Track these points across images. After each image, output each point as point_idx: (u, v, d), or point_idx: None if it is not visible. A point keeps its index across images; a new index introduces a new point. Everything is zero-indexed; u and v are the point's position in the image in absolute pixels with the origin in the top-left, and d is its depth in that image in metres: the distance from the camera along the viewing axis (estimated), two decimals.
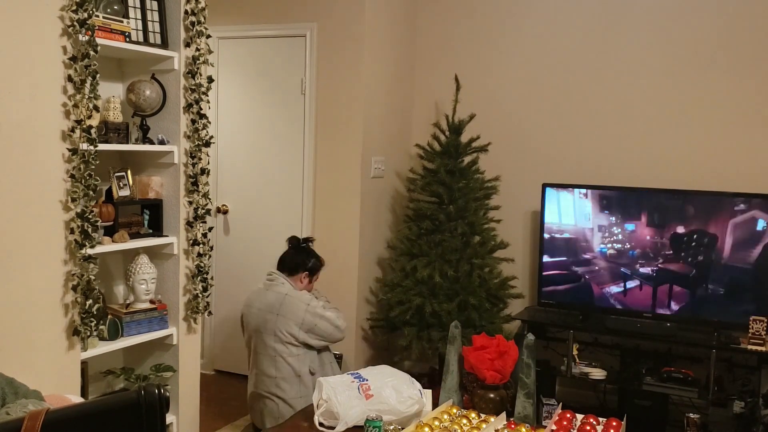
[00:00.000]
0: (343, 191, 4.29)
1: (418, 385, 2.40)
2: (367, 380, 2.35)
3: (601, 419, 2.35)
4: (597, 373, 3.82)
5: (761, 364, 3.47)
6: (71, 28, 2.64)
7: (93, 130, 2.71)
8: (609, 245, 3.94)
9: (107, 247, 2.95)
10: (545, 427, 2.29)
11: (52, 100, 2.63)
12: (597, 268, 3.97)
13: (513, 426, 2.27)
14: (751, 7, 3.87)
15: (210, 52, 3.26)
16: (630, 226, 3.90)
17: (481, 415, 2.36)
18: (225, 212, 4.67)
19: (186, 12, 3.14)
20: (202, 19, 3.18)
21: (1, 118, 2.48)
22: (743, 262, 3.68)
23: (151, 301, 3.22)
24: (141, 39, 3.06)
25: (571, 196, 4.01)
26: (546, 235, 4.06)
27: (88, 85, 2.68)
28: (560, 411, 2.38)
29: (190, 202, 3.24)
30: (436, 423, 2.21)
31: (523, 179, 4.39)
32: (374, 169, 4.36)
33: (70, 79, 2.66)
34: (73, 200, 2.70)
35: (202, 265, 3.31)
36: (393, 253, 4.43)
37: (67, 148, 2.68)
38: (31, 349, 2.65)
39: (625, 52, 4.16)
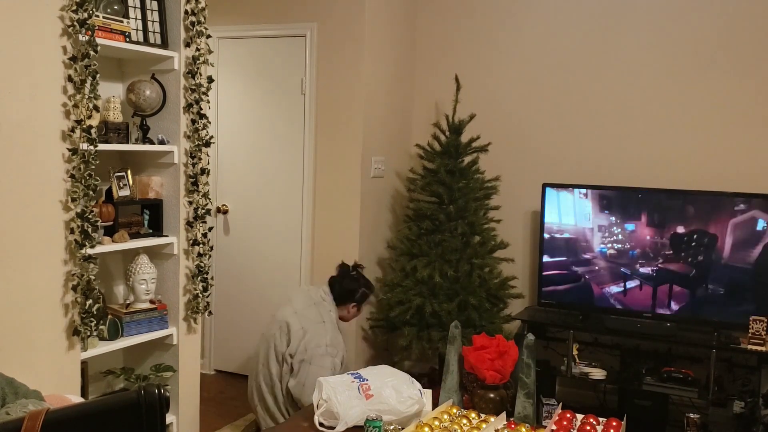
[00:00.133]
0: (343, 191, 4.29)
1: (418, 385, 2.40)
2: (367, 380, 2.34)
3: (601, 419, 2.35)
4: (597, 373, 3.82)
5: (761, 364, 3.47)
6: (71, 28, 2.63)
7: (93, 130, 2.71)
8: (609, 245, 3.94)
9: (107, 247, 2.95)
10: (545, 427, 2.29)
11: (52, 100, 2.63)
12: (597, 268, 3.97)
13: (513, 426, 2.27)
14: (751, 7, 3.87)
15: (210, 52, 3.26)
16: (630, 226, 3.89)
17: (481, 415, 2.36)
18: (225, 212, 4.67)
19: (186, 12, 3.14)
20: (202, 19, 3.18)
21: (1, 118, 2.47)
22: (743, 262, 3.68)
23: (151, 301, 3.22)
24: (141, 39, 3.06)
25: (571, 196, 4.01)
26: (546, 235, 4.06)
27: (88, 85, 2.68)
28: (560, 411, 2.38)
29: (190, 202, 3.24)
30: (436, 423, 2.21)
31: (523, 179, 4.39)
32: (374, 169, 4.36)
33: (70, 79, 2.66)
34: (73, 200, 2.70)
35: (202, 265, 3.31)
36: (393, 253, 4.43)
37: (67, 148, 2.68)
38: (31, 349, 2.64)
39: (625, 52, 4.16)
